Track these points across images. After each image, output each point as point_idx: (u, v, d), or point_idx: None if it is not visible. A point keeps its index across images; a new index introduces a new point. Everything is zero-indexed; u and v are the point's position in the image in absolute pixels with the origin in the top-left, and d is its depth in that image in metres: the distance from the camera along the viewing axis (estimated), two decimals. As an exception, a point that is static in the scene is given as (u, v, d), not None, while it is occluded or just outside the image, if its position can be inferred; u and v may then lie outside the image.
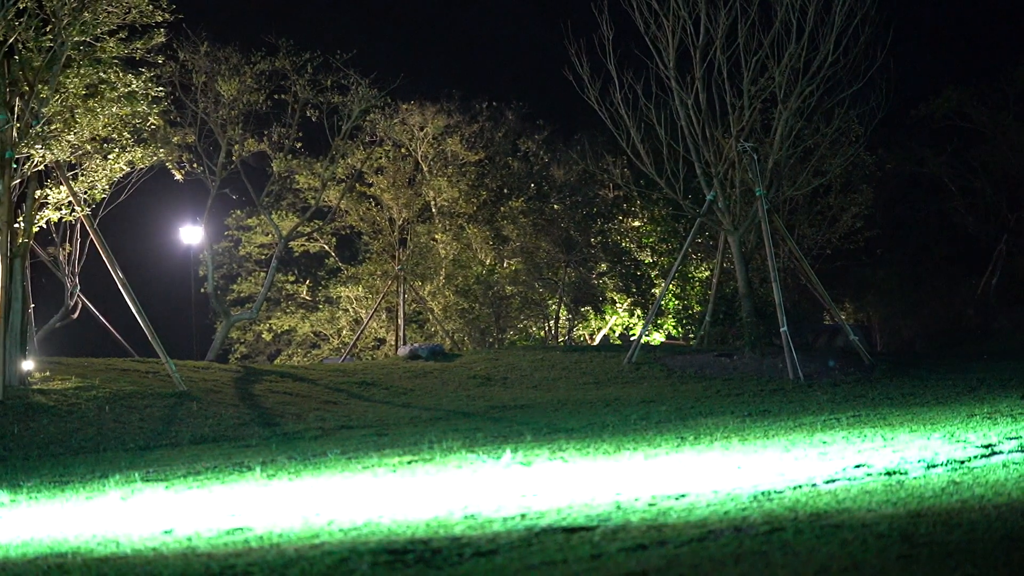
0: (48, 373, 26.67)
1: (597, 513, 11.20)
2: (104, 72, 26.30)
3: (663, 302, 34.52)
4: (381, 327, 45.14)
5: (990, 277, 43.74)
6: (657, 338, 37.76)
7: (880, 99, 30.80)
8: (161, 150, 30.95)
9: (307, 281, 47.41)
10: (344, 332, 46.02)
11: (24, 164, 25.60)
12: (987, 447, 14.61)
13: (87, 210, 27.32)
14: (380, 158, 43.25)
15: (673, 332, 38.29)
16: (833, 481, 12.58)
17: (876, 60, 30.24)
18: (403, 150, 43.87)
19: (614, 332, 41.86)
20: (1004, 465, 13.26)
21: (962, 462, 13.59)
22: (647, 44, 30.83)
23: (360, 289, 44.74)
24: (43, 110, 24.96)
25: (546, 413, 22.96)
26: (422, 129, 43.65)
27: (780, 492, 12.03)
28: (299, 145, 40.68)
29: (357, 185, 43.92)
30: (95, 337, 37.83)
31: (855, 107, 31.67)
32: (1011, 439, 15.20)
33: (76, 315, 34.91)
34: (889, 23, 30.09)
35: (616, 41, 31.16)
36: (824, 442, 15.76)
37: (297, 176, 42.11)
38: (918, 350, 35.12)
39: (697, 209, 31.32)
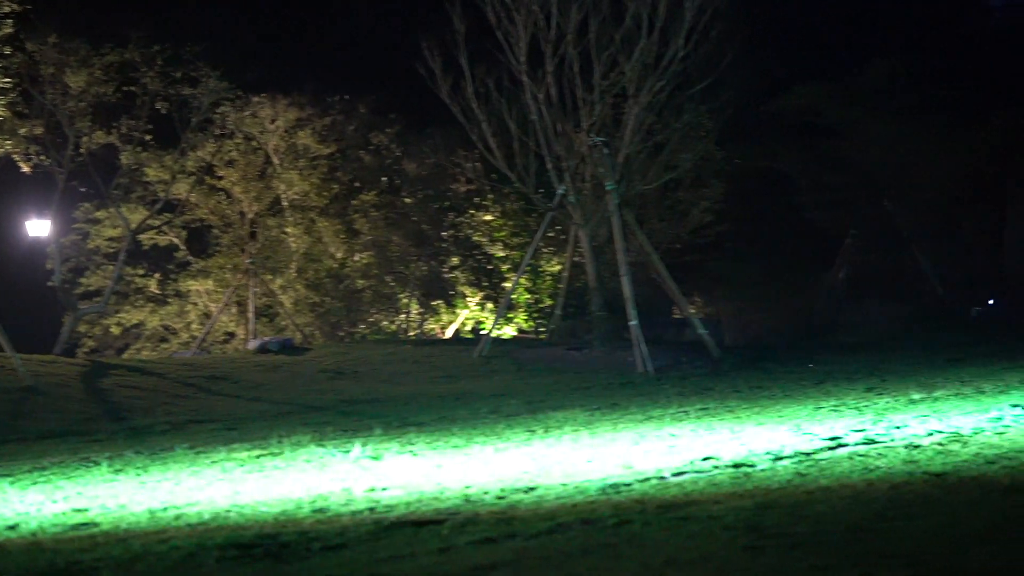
0: None
1: (446, 506, 11.12)
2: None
3: (514, 296, 34.54)
4: (231, 321, 44.67)
5: (839, 271, 44.37)
6: (508, 332, 37.81)
7: (731, 94, 31.07)
8: (8, 142, 30.27)
9: (156, 275, 46.74)
10: (194, 326, 45.45)
11: None
12: (833, 439, 14.76)
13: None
14: (231, 151, 42.74)
15: (524, 326, 38.35)
16: (681, 473, 12.62)
17: (727, 55, 30.48)
18: (254, 143, 43.42)
19: (465, 326, 41.84)
20: (850, 457, 13.41)
21: (808, 454, 13.71)
22: (500, 38, 30.81)
23: (210, 283, 44.22)
24: None
25: (396, 407, 22.85)
26: (273, 122, 43.24)
27: (629, 485, 12.04)
28: (149, 138, 40.01)
29: (207, 178, 43.38)
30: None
31: (706, 102, 31.92)
32: (856, 431, 15.38)
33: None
34: (741, 19, 30.38)
35: (469, 35, 31.11)
36: (673, 435, 15.83)
37: (147, 169, 41.47)
38: (767, 343, 35.49)
39: (548, 203, 31.36)
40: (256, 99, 42.54)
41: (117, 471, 15.21)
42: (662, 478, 12.37)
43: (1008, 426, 15.55)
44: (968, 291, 46.95)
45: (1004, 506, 10.54)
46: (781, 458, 13.47)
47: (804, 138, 44.55)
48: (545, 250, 36.05)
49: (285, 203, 44.57)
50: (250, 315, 40.27)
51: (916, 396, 20.00)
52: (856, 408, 18.44)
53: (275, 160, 43.98)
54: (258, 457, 15.75)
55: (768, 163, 43.25)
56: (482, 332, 33.68)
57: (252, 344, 34.61)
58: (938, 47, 50.67)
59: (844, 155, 44.19)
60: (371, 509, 11.06)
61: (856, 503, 10.78)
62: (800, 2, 51.93)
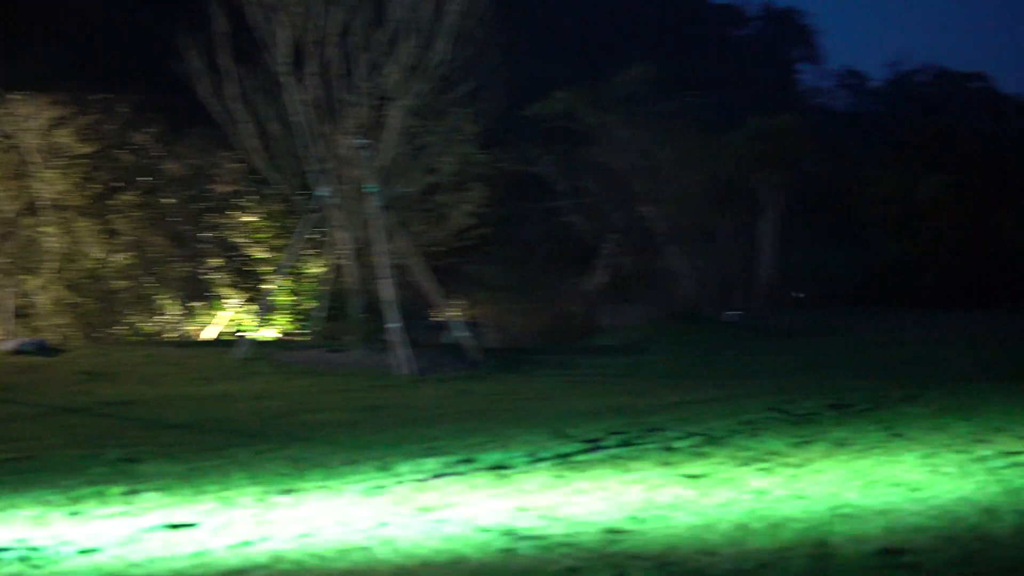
0: None
1: (202, 509, 11.05)
2: None
3: (275, 298, 34.31)
4: (-15, 322, 43.42)
5: (597, 275, 45.01)
6: (269, 334, 37.50)
7: (492, 99, 31.29)
8: None
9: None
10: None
11: None
12: (591, 441, 15.01)
13: None
14: (-14, 149, 41.55)
15: (287, 328, 38.10)
16: (441, 475, 12.72)
17: (490, 60, 30.70)
18: (11, 141, 42.29)
19: (227, 328, 41.39)
20: (605, 459, 13.67)
21: (566, 456, 13.93)
22: (262, 39, 30.56)
23: (-39, 283, 42.92)
24: None
25: (153, 409, 22.51)
26: (32, 120, 42.17)
27: (387, 487, 12.09)
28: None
29: (-41, 176, 42.09)
30: None
31: (468, 106, 32.09)
32: (614, 434, 15.66)
33: None
34: (502, 23, 30.61)
35: (231, 35, 30.78)
36: (433, 437, 15.92)
37: None
38: (527, 346, 35.81)
39: (310, 205, 31.23)
40: (13, 97, 41.45)
41: None
42: (420, 480, 12.45)
43: (761, 429, 16.02)
44: (722, 295, 48.04)
45: (753, 506, 10.87)
46: (539, 459, 13.67)
47: (562, 143, 45.10)
48: (307, 252, 35.81)
49: (43, 202, 43.50)
50: (7, 316, 39.23)
51: (672, 399, 20.43)
52: (613, 411, 18.77)
53: (33, 159, 42.91)
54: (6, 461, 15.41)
55: (528, 167, 43.67)
56: (243, 334, 33.34)
57: (7, 345, 33.74)
58: (692, 54, 51.73)
59: (600, 160, 44.84)
60: (123, 512, 10.96)
61: (612, 505, 11.01)
62: (561, 8, 52.61)
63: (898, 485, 11.69)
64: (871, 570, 8.70)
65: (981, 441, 14.32)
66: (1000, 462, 12.85)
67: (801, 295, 54.72)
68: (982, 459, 13.06)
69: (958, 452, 13.55)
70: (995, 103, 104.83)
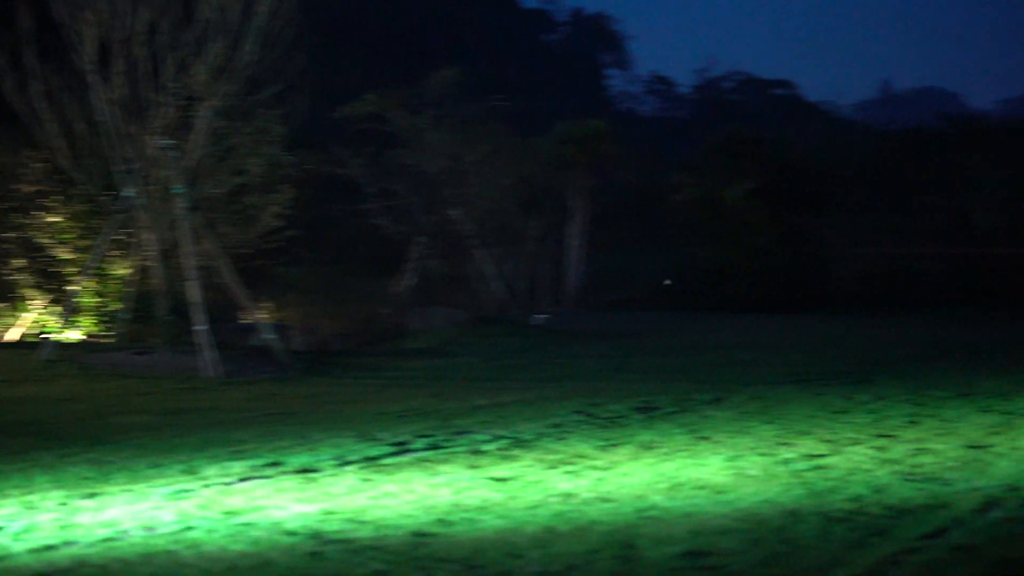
0: None
1: (4, 513, 10.86)
2: None
3: (80, 299, 33.71)
4: None
5: (405, 277, 45.04)
6: (74, 335, 36.85)
7: (301, 100, 31.13)
8: None
9: None
10: None
11: None
12: (399, 444, 15.04)
13: None
14: None
15: (92, 330, 37.47)
16: (247, 479, 12.65)
17: (298, 62, 30.55)
18: None
19: (29, 329, 40.59)
20: (413, 462, 13.71)
21: (373, 459, 13.94)
22: (68, 37, 30.02)
23: None
24: None
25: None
26: None
27: (193, 490, 12.00)
28: None
29: None
30: None
31: (276, 107, 31.90)
32: (422, 436, 15.70)
33: None
34: (313, 26, 30.49)
35: (37, 33, 30.20)
36: (240, 440, 15.81)
37: None
38: (335, 349, 35.71)
39: (116, 205, 30.77)
40: None
41: None
42: (227, 483, 12.38)
43: (569, 432, 16.18)
44: (531, 298, 48.40)
45: (560, 509, 11.00)
46: (347, 463, 13.66)
47: (372, 145, 45.06)
48: (113, 253, 35.27)
49: None
50: None
51: (481, 402, 20.51)
52: (421, 414, 18.80)
53: None
54: None
55: (337, 169, 43.54)
56: (47, 336, 32.69)
57: None
58: (502, 58, 52.03)
59: (409, 163, 44.90)
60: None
61: (419, 508, 11.06)
62: (371, 11, 52.49)
63: (703, 488, 11.92)
64: (676, 572, 8.87)
65: (785, 444, 14.66)
66: (804, 465, 13.16)
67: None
68: (786, 462, 13.37)
69: (763, 455, 13.85)
70: (800, 110, 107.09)
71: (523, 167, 47.58)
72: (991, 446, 14.33)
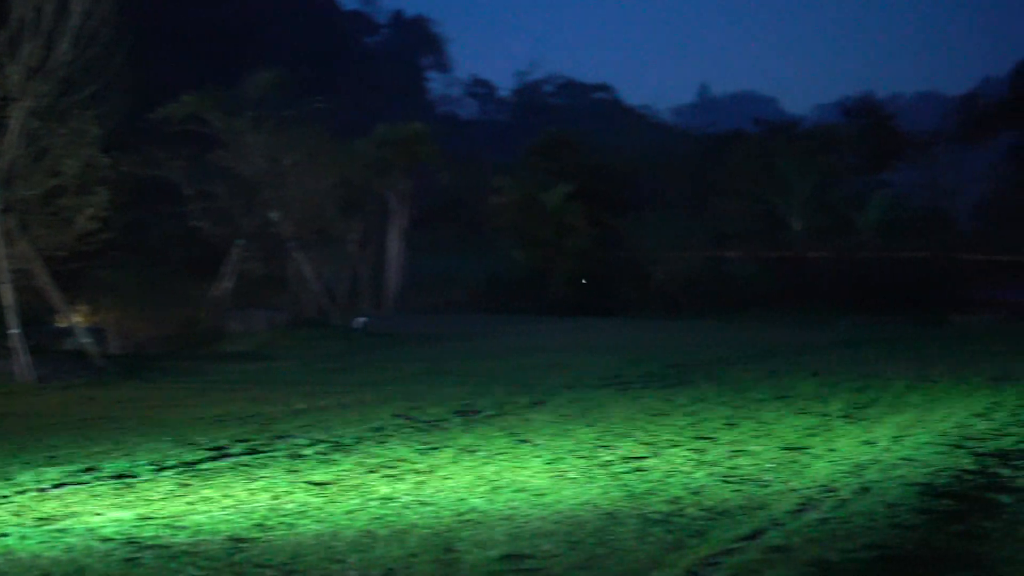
0: None
1: None
2: None
3: None
4: None
5: (224, 280, 44.60)
6: None
7: (118, 101, 30.68)
8: None
9: None
10: None
11: None
12: (217, 449, 14.94)
13: None
14: None
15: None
16: (62, 485, 12.47)
17: (114, 62, 30.11)
18: None
19: None
20: (233, 467, 13.64)
21: (191, 464, 13.83)
22: None
23: None
24: None
25: None
26: None
27: (7, 497, 11.80)
28: None
29: None
30: None
31: (92, 108, 31.41)
32: (240, 441, 15.61)
33: None
34: (130, 26, 30.07)
35: None
36: (54, 446, 15.56)
37: None
38: (152, 352, 35.28)
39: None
40: None
41: None
42: (41, 490, 12.20)
43: (389, 436, 16.20)
44: (351, 301, 48.27)
45: (380, 512, 11.02)
46: (164, 468, 13.53)
47: (191, 147, 44.56)
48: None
49: None
50: None
51: (300, 406, 20.43)
52: (240, 418, 18.67)
53: None
54: None
55: (154, 171, 42.96)
56: None
57: None
58: (323, 60, 51.80)
59: (229, 164, 44.46)
60: None
61: (237, 513, 11.00)
62: (191, 12, 51.98)
63: (523, 490, 12.03)
64: (495, 575, 8.94)
65: (605, 446, 14.84)
66: (623, 467, 13.34)
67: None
68: (605, 464, 13.53)
69: (582, 458, 14.01)
70: (619, 114, 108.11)
71: (342, 170, 47.43)
72: (808, 448, 14.66)
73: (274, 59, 48.40)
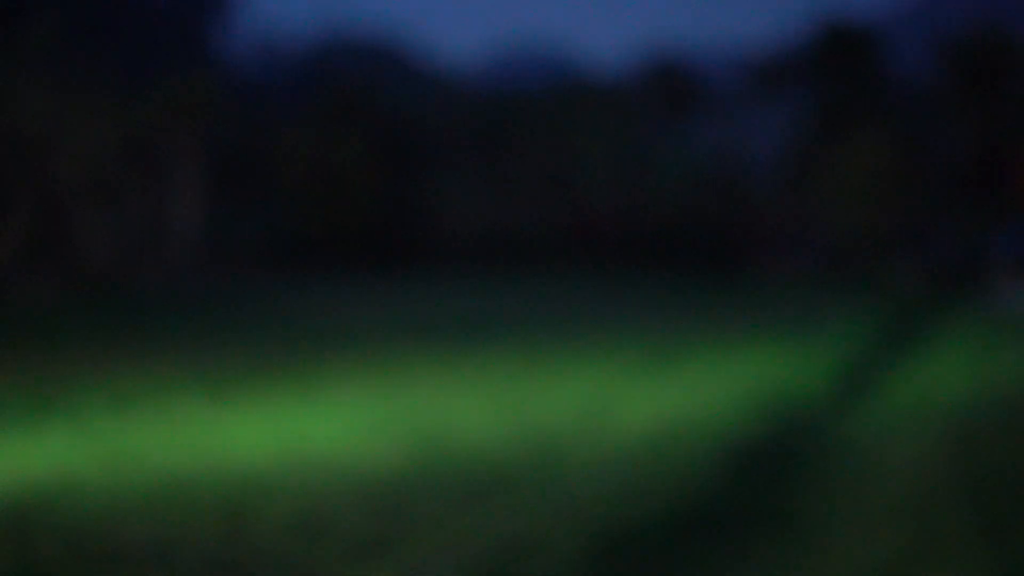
0: None
1: None
2: None
3: None
4: None
5: None
6: None
7: None
8: None
9: None
10: None
11: None
12: None
13: None
14: None
15: None
16: None
17: None
18: None
19: None
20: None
21: None
22: None
23: None
24: None
25: None
26: None
27: None
28: None
29: None
30: None
31: None
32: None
33: None
34: None
35: None
36: None
37: None
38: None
39: None
40: None
41: None
42: None
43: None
44: (135, 260, 47.07)
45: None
46: None
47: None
48: None
49: None
50: None
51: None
52: None
53: None
54: None
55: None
56: None
57: None
58: (104, 12, 50.33)
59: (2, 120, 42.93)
60: None
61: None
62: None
63: None
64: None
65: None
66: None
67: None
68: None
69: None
70: (411, 70, 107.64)
71: (123, 126, 46.14)
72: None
73: (51, 7, 46.80)
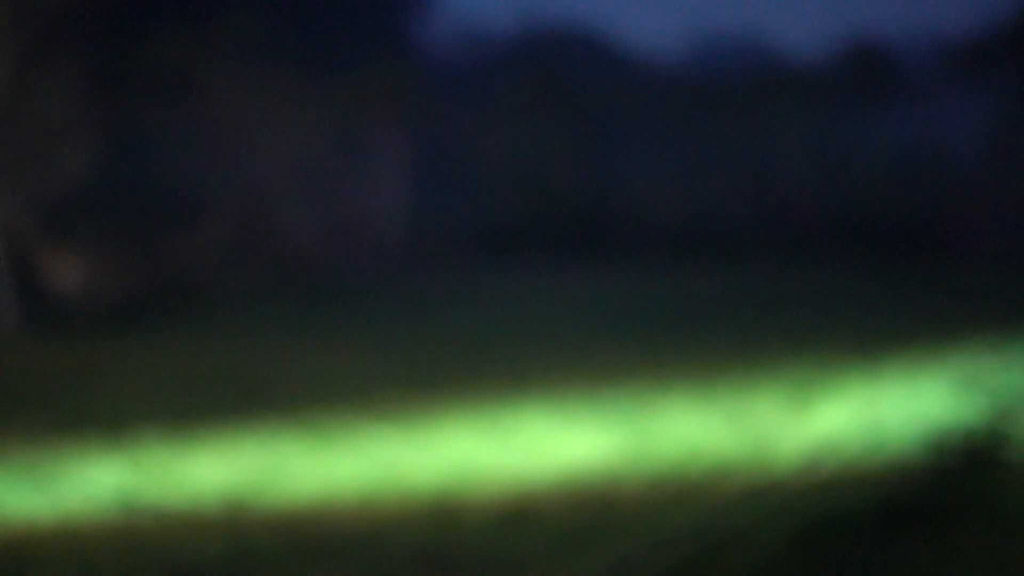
0: None
1: None
2: None
3: None
4: None
5: None
6: None
7: None
8: None
9: None
10: None
11: None
12: None
13: None
14: None
15: None
16: None
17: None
18: None
19: None
20: None
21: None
22: None
23: None
24: None
25: None
26: None
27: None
28: None
29: None
30: None
31: None
32: None
33: None
34: None
35: None
36: None
37: None
38: None
39: None
40: None
41: None
42: None
43: None
44: (341, 249, 47.69)
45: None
46: None
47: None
48: None
49: None
50: None
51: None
52: None
53: None
54: None
55: None
56: None
57: None
58: (300, 10, 51.06)
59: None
60: None
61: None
62: None
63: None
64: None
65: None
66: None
67: None
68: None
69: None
70: (613, 59, 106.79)
71: (330, 115, 46.74)
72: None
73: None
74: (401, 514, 9.10)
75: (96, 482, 10.06)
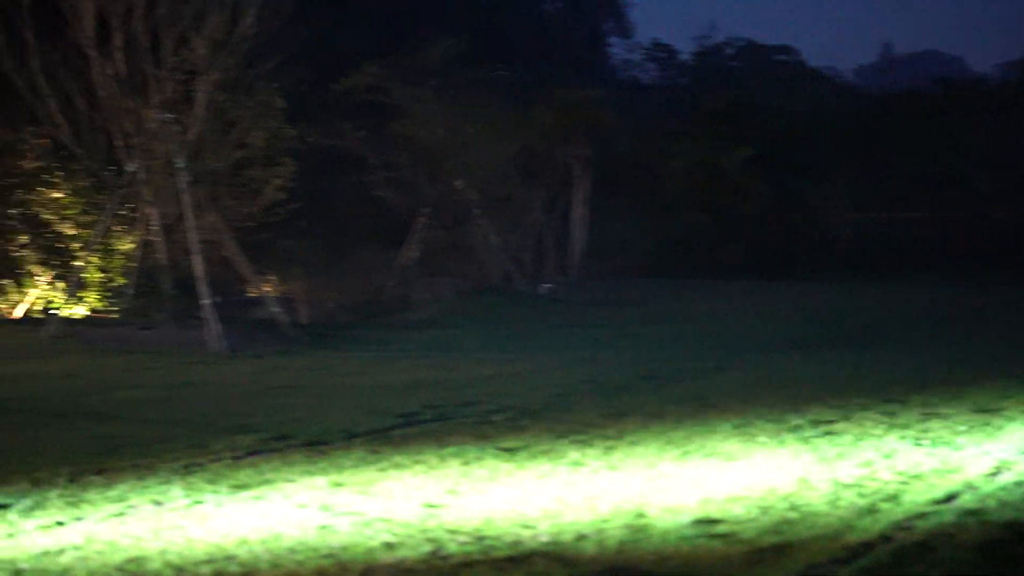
0: None
1: (11, 490, 10.87)
2: None
3: (85, 275, 33.68)
4: None
5: (408, 249, 44.98)
6: (79, 311, 36.93)
7: (301, 73, 31.08)
8: None
9: None
10: None
11: None
12: (406, 416, 15.08)
13: None
14: None
15: (96, 305, 37.51)
16: (255, 452, 12.69)
17: (297, 33, 30.53)
18: None
19: (36, 306, 40.61)
20: (421, 433, 13.73)
21: (382, 430, 13.98)
22: (67, 12, 29.95)
23: None
24: None
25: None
26: None
27: (203, 465, 12.00)
28: None
29: None
30: None
31: (276, 80, 31.88)
32: (429, 408, 15.75)
33: None
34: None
35: (35, 7, 30.14)
36: (247, 414, 15.84)
37: None
38: (341, 321, 35.70)
39: (119, 180, 30.79)
40: None
41: None
42: (235, 457, 12.40)
43: (575, 401, 16.19)
44: (535, 268, 48.36)
45: (571, 478, 11.00)
46: (355, 435, 13.68)
47: (373, 116, 44.87)
48: (117, 228, 35.30)
49: None
50: None
51: (487, 372, 20.53)
52: (428, 385, 18.81)
53: None
54: None
55: (338, 141, 43.42)
56: (52, 312, 32.69)
57: None
58: (502, 27, 51.80)
59: (410, 133, 44.71)
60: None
61: (428, 479, 11.08)
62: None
63: (712, 455, 11.94)
64: (687, 540, 8.88)
65: (793, 410, 14.65)
66: (812, 431, 13.17)
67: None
68: (795, 428, 13.37)
69: (771, 421, 13.86)
70: (801, 75, 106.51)
71: (522, 136, 47.44)
72: (1001, 410, 14.32)
73: (450, 26, 48.51)
74: (592, 525, 9.28)
75: (300, 497, 10.37)
